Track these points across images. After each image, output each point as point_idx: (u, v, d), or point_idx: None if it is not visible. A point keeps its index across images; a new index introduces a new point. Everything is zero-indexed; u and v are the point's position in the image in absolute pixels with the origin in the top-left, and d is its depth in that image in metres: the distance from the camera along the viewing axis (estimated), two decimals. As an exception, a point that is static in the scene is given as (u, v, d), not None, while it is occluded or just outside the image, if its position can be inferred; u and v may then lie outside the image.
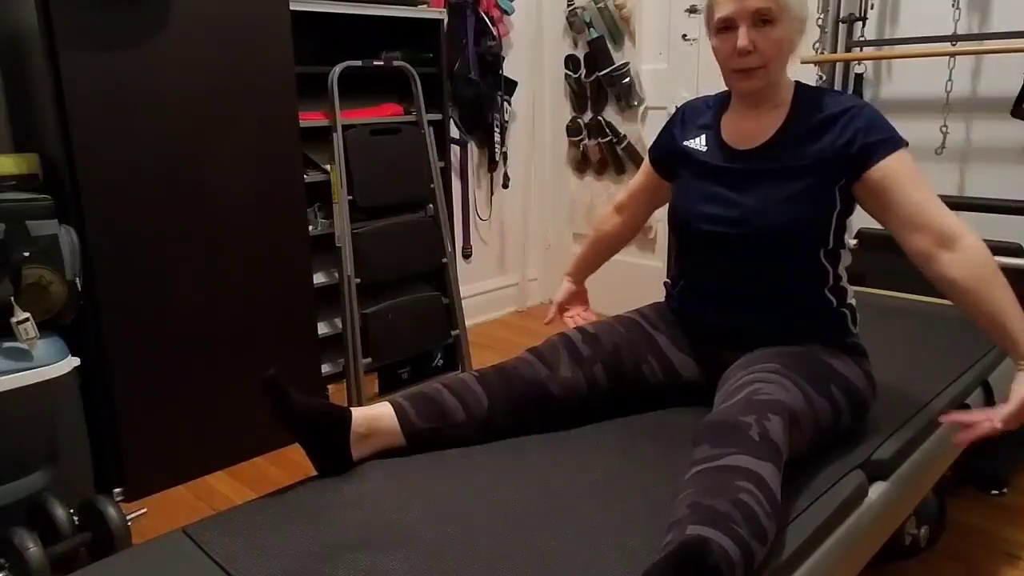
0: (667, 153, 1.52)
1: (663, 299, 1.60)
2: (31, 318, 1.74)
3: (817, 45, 2.65)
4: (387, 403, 1.34)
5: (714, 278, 1.43)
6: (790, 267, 1.35)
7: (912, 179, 1.26)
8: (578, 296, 1.82)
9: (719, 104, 1.45)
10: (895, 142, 1.27)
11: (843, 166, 1.29)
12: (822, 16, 2.62)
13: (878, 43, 2.63)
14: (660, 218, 3.42)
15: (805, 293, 1.37)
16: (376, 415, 1.31)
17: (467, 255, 3.63)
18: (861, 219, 2.31)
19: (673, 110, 3.35)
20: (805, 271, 1.36)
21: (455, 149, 3.38)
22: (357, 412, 1.29)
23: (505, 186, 3.65)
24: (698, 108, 1.49)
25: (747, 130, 1.37)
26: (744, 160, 1.36)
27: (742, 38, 1.25)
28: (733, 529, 0.94)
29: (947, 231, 1.23)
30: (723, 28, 1.29)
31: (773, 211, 1.31)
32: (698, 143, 1.43)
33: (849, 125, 1.29)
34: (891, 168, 1.26)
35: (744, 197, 1.34)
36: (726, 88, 1.43)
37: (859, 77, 2.63)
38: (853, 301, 1.42)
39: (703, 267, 1.45)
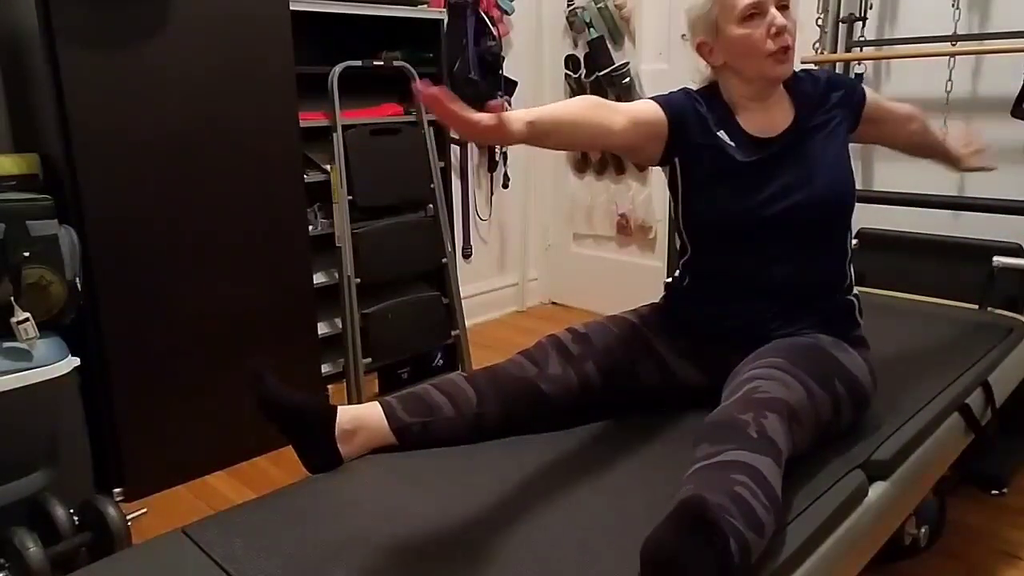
0: (689, 131, 1.39)
1: (661, 300, 1.59)
2: (31, 318, 1.74)
3: (817, 45, 2.65)
4: (374, 402, 1.34)
5: (741, 268, 1.42)
6: (827, 239, 1.41)
7: (881, 97, 1.54)
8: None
9: (712, 99, 1.44)
10: (859, 85, 1.50)
11: (848, 116, 1.44)
12: (822, 16, 2.62)
13: (878, 43, 2.63)
14: (660, 218, 3.42)
15: (831, 270, 1.43)
16: (362, 411, 1.31)
17: (467, 255, 3.63)
18: (861, 219, 2.30)
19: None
20: (836, 244, 1.43)
21: (455, 149, 3.38)
22: (343, 409, 1.30)
23: (505, 186, 3.65)
24: (697, 101, 1.43)
25: (766, 122, 1.41)
26: (778, 145, 1.39)
27: (779, 17, 1.30)
28: (728, 521, 0.94)
29: (914, 110, 1.59)
30: (750, 16, 1.31)
31: (822, 177, 1.37)
32: (723, 136, 1.40)
33: (836, 89, 1.45)
34: (871, 98, 1.49)
35: (791, 173, 1.37)
36: (705, 84, 1.47)
37: (859, 77, 2.63)
38: (857, 291, 1.46)
39: (730, 259, 1.42)
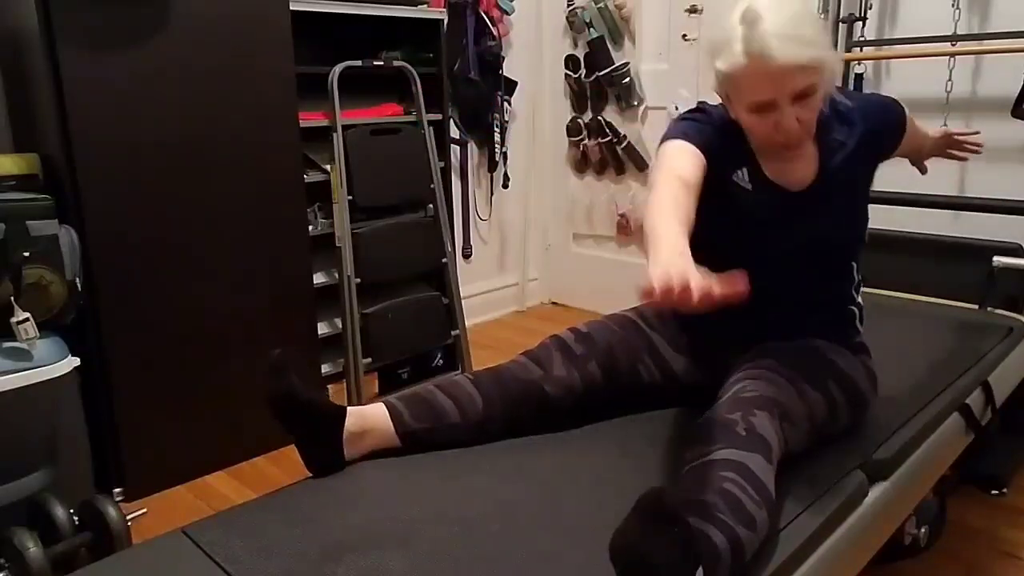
0: (712, 163, 1.28)
1: None
2: (31, 318, 1.74)
3: (817, 45, 2.65)
4: (380, 404, 1.34)
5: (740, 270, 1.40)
6: (836, 268, 1.40)
7: (916, 126, 1.49)
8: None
9: (737, 134, 1.30)
10: (899, 111, 1.40)
11: (878, 155, 1.38)
12: (822, 16, 2.62)
13: (878, 43, 2.63)
14: (660, 218, 3.42)
15: (837, 290, 1.41)
16: (370, 414, 1.31)
17: (467, 255, 3.63)
18: (861, 219, 2.24)
19: (674, 110, 3.34)
20: (845, 269, 1.41)
21: (455, 149, 3.38)
22: (352, 410, 1.29)
23: (505, 186, 3.65)
24: (715, 125, 1.31)
25: (789, 172, 1.32)
26: (800, 200, 1.32)
27: (788, 118, 1.17)
28: (717, 517, 0.95)
29: (930, 135, 1.59)
30: (759, 109, 1.19)
31: (836, 228, 1.36)
32: (741, 178, 1.33)
33: (873, 128, 1.35)
34: (909, 129, 1.43)
35: (804, 223, 1.32)
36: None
37: (859, 77, 2.63)
38: (861, 299, 1.45)
39: (729, 258, 1.39)
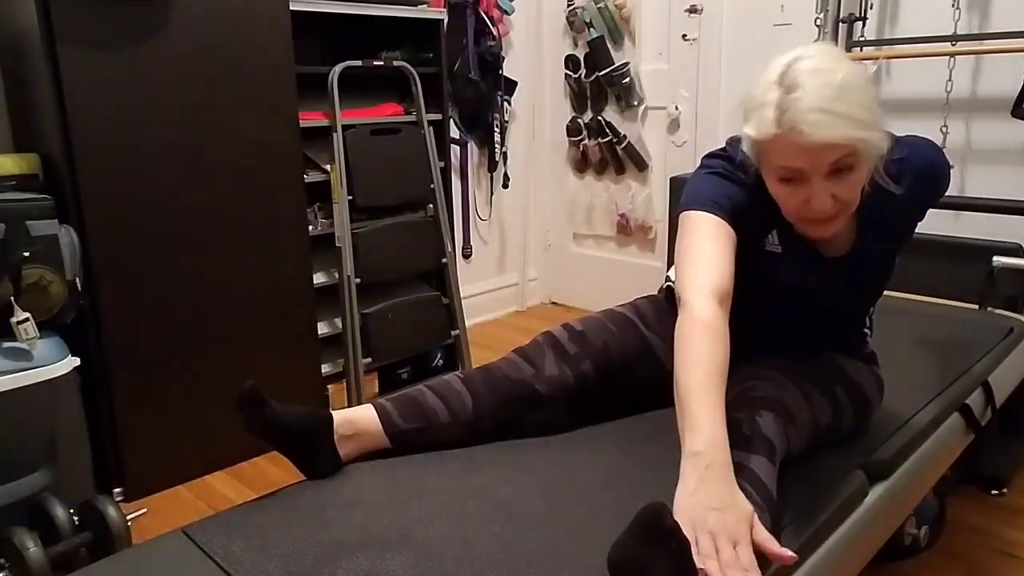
0: (741, 230, 1.20)
1: (659, 292, 1.57)
2: (31, 318, 1.74)
3: (817, 45, 2.65)
4: (369, 405, 1.33)
5: (748, 317, 1.25)
6: (859, 311, 1.39)
7: None
8: None
9: (761, 183, 1.16)
10: (948, 173, 1.26)
11: (922, 217, 1.29)
12: (822, 16, 2.62)
13: (878, 43, 2.63)
14: (660, 218, 3.42)
15: (855, 322, 1.41)
16: (357, 417, 1.30)
17: (467, 255, 3.63)
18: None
19: (674, 110, 3.33)
20: (863, 309, 1.40)
21: (455, 149, 3.39)
22: (338, 414, 1.28)
23: (505, 186, 3.65)
24: (743, 183, 1.20)
25: (821, 238, 1.22)
26: (834, 265, 1.27)
27: (820, 198, 1.06)
28: None
29: None
30: (787, 179, 1.09)
31: (861, 291, 1.35)
32: (771, 242, 1.26)
33: (922, 196, 1.23)
34: None
35: (830, 286, 1.30)
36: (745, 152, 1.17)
37: (859, 77, 2.63)
38: (873, 315, 1.44)
39: (747, 308, 1.23)
